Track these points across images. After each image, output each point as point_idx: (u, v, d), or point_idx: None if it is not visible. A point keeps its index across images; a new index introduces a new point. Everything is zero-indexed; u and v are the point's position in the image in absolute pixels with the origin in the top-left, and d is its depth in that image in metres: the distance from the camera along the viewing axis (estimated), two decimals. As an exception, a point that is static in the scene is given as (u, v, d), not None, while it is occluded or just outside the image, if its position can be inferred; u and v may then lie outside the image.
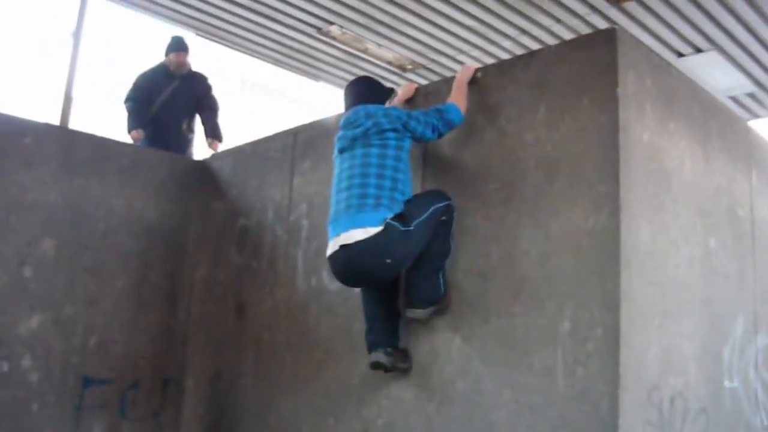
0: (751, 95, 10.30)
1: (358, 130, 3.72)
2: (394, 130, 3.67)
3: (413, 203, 3.67)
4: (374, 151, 3.67)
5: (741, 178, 4.28)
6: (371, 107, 3.80)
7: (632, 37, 3.61)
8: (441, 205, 3.66)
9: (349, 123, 3.81)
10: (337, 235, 3.64)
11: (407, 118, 3.69)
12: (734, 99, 10.39)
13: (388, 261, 3.59)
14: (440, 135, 3.74)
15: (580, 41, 3.80)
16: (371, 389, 4.03)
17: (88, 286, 5.12)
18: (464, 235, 3.75)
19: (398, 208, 3.60)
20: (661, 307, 3.39)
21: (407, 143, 3.73)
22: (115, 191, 5.36)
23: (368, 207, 3.59)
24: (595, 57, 3.45)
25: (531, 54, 3.83)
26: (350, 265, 3.66)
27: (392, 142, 3.67)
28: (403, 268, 3.72)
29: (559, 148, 3.46)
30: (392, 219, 3.54)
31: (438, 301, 3.74)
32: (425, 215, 3.60)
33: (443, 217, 3.67)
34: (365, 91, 3.99)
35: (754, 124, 10.59)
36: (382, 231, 3.52)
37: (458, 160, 3.86)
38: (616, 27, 3.49)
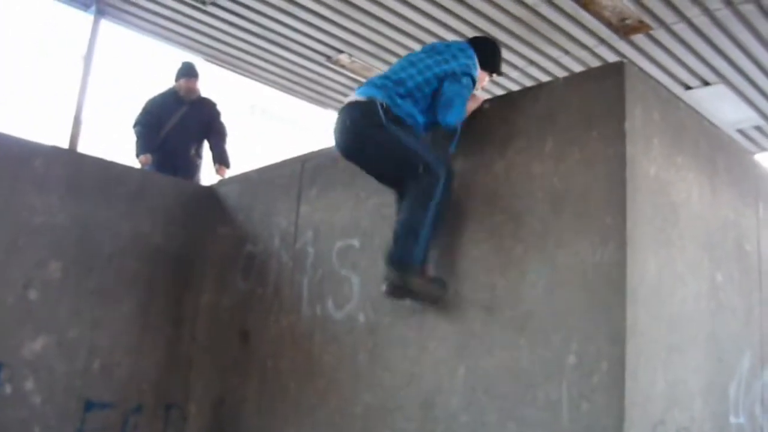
0: (759, 128, 10.33)
1: (440, 57, 3.97)
2: (453, 74, 3.88)
3: (414, 131, 3.88)
4: (431, 70, 3.92)
5: (748, 213, 4.27)
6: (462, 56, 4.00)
7: (640, 70, 3.64)
8: (429, 162, 3.72)
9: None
10: None
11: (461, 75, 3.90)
12: (742, 132, 10.41)
13: (356, 135, 3.89)
14: (445, 122, 3.84)
15: (588, 74, 3.81)
16: (375, 420, 4.01)
17: (93, 310, 5.11)
18: (471, 266, 3.74)
19: (398, 110, 3.82)
20: (668, 342, 3.38)
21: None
22: (123, 215, 5.37)
23: (378, 87, 3.90)
24: (603, 90, 3.46)
25: (539, 86, 3.85)
26: (339, 124, 3.97)
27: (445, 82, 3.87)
28: (369, 162, 3.96)
29: (566, 180, 3.46)
30: (383, 107, 3.78)
31: (409, 270, 3.67)
32: (407, 144, 3.76)
33: (425, 177, 3.69)
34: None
35: (762, 158, 10.61)
36: (366, 102, 3.82)
37: (466, 191, 3.87)
38: (624, 61, 3.51)
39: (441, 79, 3.90)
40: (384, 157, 3.88)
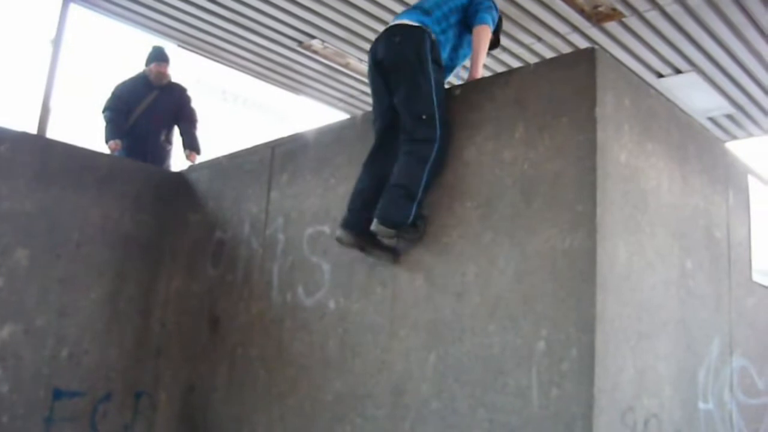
0: (730, 117, 10.40)
1: None
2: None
3: (443, 77, 4.10)
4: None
5: (718, 200, 4.29)
6: None
7: (611, 57, 3.62)
8: (436, 117, 3.82)
9: None
10: None
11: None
12: (713, 120, 10.49)
13: (399, 56, 3.96)
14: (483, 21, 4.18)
15: (559, 60, 3.79)
16: (345, 407, 3.99)
17: (61, 297, 5.06)
18: (441, 253, 3.73)
19: (441, 49, 4.09)
20: (637, 329, 3.38)
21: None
22: (91, 201, 5.30)
23: (428, 15, 4.11)
24: (574, 77, 3.44)
25: (510, 72, 3.83)
26: (386, 39, 4.06)
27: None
28: (394, 84, 3.98)
29: (536, 167, 3.45)
30: (432, 41, 3.98)
31: (401, 226, 3.76)
32: (433, 91, 3.85)
33: (422, 129, 3.81)
34: None
35: (733, 146, 10.70)
36: (418, 31, 3.97)
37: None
38: (595, 47, 3.49)
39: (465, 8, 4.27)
40: (408, 89, 3.91)
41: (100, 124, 7.50)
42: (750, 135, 11.02)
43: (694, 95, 9.78)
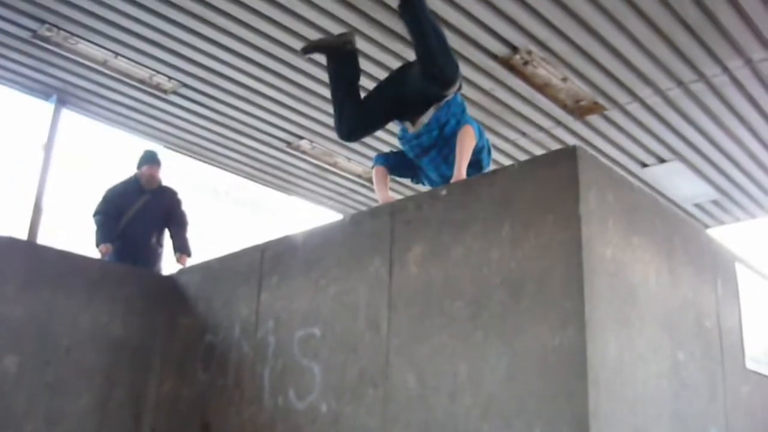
0: (716, 203, 10.52)
1: None
2: None
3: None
4: None
5: (707, 290, 4.30)
6: None
7: (592, 155, 3.68)
8: None
9: None
10: None
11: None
12: (699, 206, 10.61)
13: None
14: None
15: (542, 159, 3.86)
16: None
17: (50, 404, 4.99)
18: (432, 353, 3.71)
19: None
20: (631, 423, 3.35)
21: None
22: (81, 306, 5.29)
23: None
24: (557, 175, 3.50)
25: (495, 172, 3.90)
26: None
27: None
28: None
29: (523, 265, 3.47)
30: None
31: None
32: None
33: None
34: None
35: (719, 231, 10.79)
36: None
37: (425, 277, 3.86)
38: (577, 145, 3.56)
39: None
40: None
41: (91, 228, 7.54)
42: (737, 220, 11.14)
43: (679, 183, 9.92)
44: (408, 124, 4.81)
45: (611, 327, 3.36)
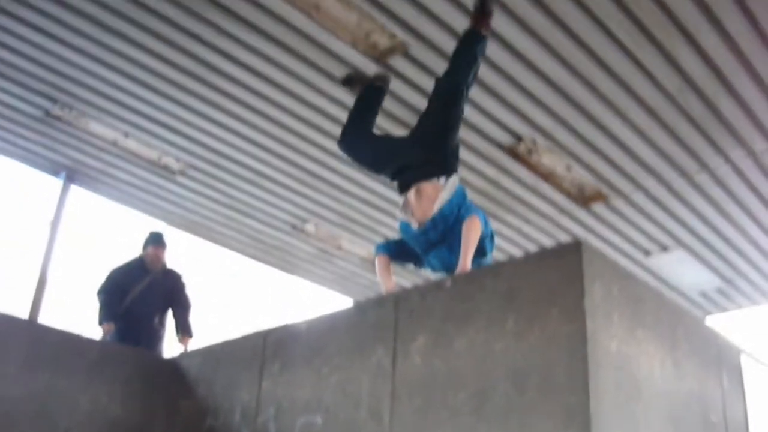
0: (720, 290, 10.50)
1: None
2: None
3: None
4: None
5: (712, 383, 4.27)
6: None
7: (597, 248, 3.70)
8: None
9: None
10: None
11: None
12: (704, 295, 10.57)
13: None
14: None
15: (547, 252, 3.88)
16: None
17: (46, 491, 4.91)
18: (435, 444, 3.67)
19: None
20: None
21: None
22: (81, 387, 5.24)
23: None
24: (562, 268, 3.51)
25: (500, 264, 3.92)
26: None
27: None
28: None
29: (528, 358, 3.46)
30: None
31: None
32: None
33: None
34: None
35: (724, 318, 10.74)
36: None
37: (428, 368, 3.84)
38: (581, 239, 3.59)
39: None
40: None
41: (94, 306, 7.55)
42: (740, 307, 11.09)
43: (682, 271, 9.91)
44: (412, 220, 4.84)
45: (616, 422, 3.33)
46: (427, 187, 4.88)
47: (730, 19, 5.86)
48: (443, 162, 4.96)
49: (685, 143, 7.38)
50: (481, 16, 5.41)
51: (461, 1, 5.87)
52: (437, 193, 4.81)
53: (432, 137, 5.08)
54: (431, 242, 4.67)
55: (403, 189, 5.07)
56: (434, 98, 5.43)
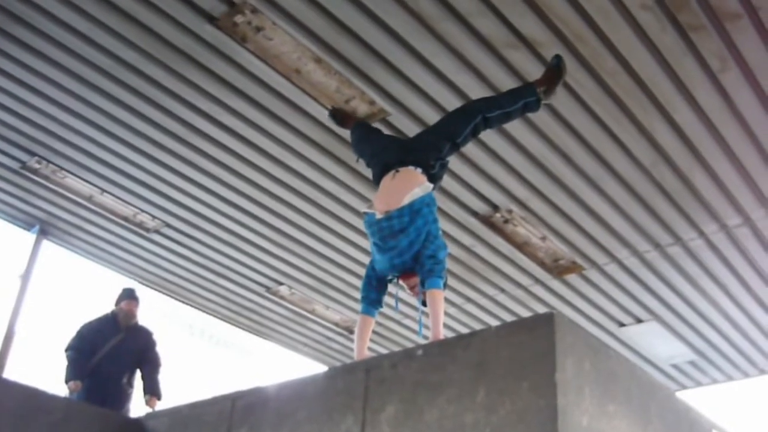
0: (693, 363, 10.52)
1: None
2: None
3: None
4: None
5: (684, 460, 4.25)
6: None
7: (570, 320, 3.70)
8: None
9: None
10: None
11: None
12: (676, 367, 10.58)
13: None
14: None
15: (519, 324, 3.87)
16: None
17: None
18: None
19: None
20: None
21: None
22: (43, 448, 5.12)
23: None
24: (534, 341, 3.50)
25: (472, 334, 3.89)
26: None
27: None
28: None
29: (498, 431, 3.42)
30: None
31: None
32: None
33: None
34: None
35: (697, 393, 10.73)
36: None
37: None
38: (554, 311, 3.58)
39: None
40: None
41: (62, 362, 7.43)
42: (714, 381, 11.09)
43: (655, 343, 9.93)
44: (375, 210, 4.73)
45: (586, 501, 3.29)
46: (411, 172, 4.84)
47: (705, 95, 5.99)
48: (432, 167, 4.92)
49: (659, 216, 7.46)
50: (549, 73, 5.32)
51: (441, 72, 5.96)
52: (416, 182, 4.74)
53: (431, 143, 5.09)
54: (394, 231, 4.53)
55: (384, 171, 5.00)
56: (452, 111, 5.56)
